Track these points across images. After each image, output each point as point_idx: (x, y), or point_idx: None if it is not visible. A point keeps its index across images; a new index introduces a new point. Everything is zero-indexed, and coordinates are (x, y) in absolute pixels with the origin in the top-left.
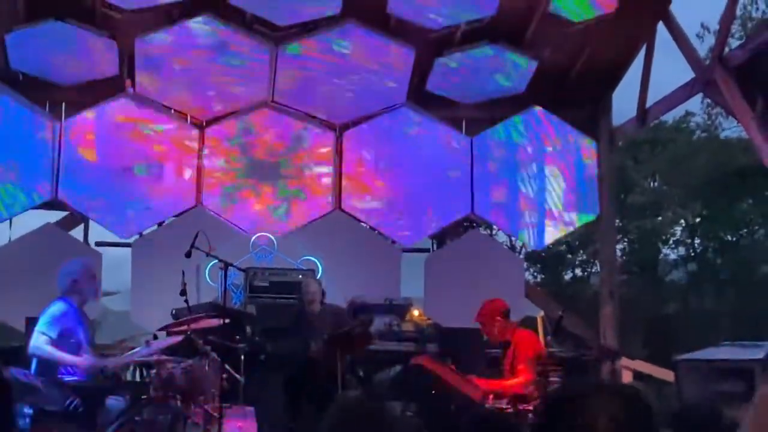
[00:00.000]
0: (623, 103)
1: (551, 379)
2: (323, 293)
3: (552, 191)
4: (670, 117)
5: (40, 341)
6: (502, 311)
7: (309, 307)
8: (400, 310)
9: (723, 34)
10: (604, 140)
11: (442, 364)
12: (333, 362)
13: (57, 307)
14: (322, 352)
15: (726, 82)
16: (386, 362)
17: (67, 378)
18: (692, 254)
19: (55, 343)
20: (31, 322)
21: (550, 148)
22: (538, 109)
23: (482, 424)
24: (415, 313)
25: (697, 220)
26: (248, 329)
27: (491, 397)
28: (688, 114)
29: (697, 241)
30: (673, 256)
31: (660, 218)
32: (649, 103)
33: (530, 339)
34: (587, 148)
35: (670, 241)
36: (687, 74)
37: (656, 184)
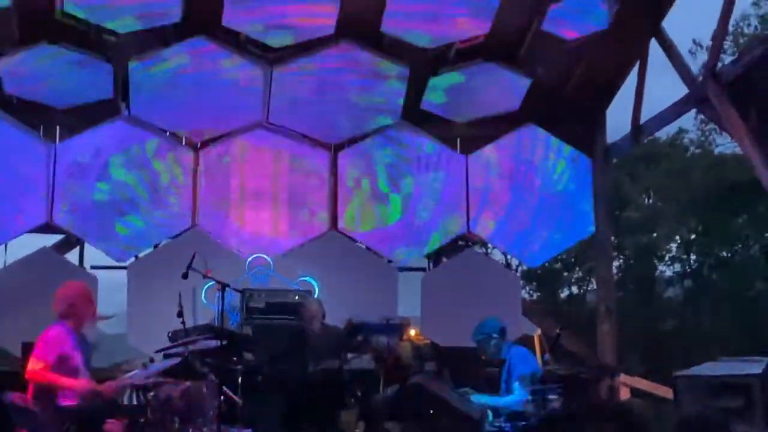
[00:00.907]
0: (617, 120)
1: (549, 396)
2: (323, 313)
3: (546, 208)
4: (664, 133)
5: (37, 366)
6: (498, 330)
7: (309, 326)
8: (397, 329)
9: (716, 49)
10: (598, 157)
11: (439, 383)
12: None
13: (54, 332)
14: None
15: (719, 97)
16: (384, 383)
17: (64, 403)
18: (688, 270)
19: (52, 367)
20: (28, 347)
21: (544, 166)
22: (532, 126)
23: None
24: (412, 332)
25: (693, 236)
26: (246, 352)
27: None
28: (682, 131)
29: (692, 257)
30: (669, 273)
31: (655, 234)
32: (643, 119)
33: (526, 356)
34: (582, 164)
35: (666, 258)
36: (680, 90)
37: (651, 200)
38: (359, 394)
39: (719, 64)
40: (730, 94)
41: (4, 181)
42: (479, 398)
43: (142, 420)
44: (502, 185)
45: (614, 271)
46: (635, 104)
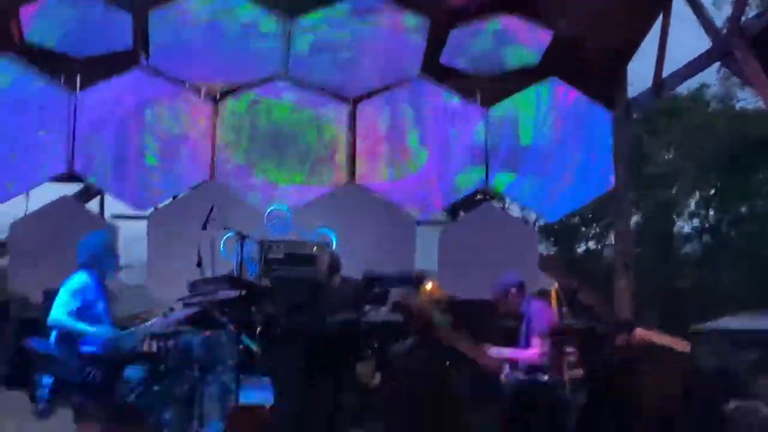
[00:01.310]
0: (639, 75)
1: (566, 350)
2: (339, 265)
3: (566, 163)
4: (686, 88)
5: (59, 313)
6: (516, 284)
7: (327, 278)
8: (414, 282)
9: (740, 2)
10: (619, 112)
11: (457, 335)
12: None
13: (78, 280)
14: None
15: (743, 51)
16: (401, 334)
17: (86, 349)
18: (707, 226)
19: (74, 314)
20: (49, 295)
21: (564, 120)
22: (553, 80)
23: (523, 395)
24: (429, 285)
25: (712, 192)
26: (265, 303)
27: (506, 367)
28: (704, 85)
29: (711, 213)
30: (687, 229)
31: (675, 190)
32: (665, 74)
33: (544, 310)
34: (602, 119)
35: (685, 214)
36: (703, 45)
37: (671, 156)
38: (376, 345)
39: (744, 18)
40: (755, 48)
41: (26, 131)
42: (497, 351)
43: (161, 368)
44: (522, 139)
45: (632, 226)
46: (657, 58)
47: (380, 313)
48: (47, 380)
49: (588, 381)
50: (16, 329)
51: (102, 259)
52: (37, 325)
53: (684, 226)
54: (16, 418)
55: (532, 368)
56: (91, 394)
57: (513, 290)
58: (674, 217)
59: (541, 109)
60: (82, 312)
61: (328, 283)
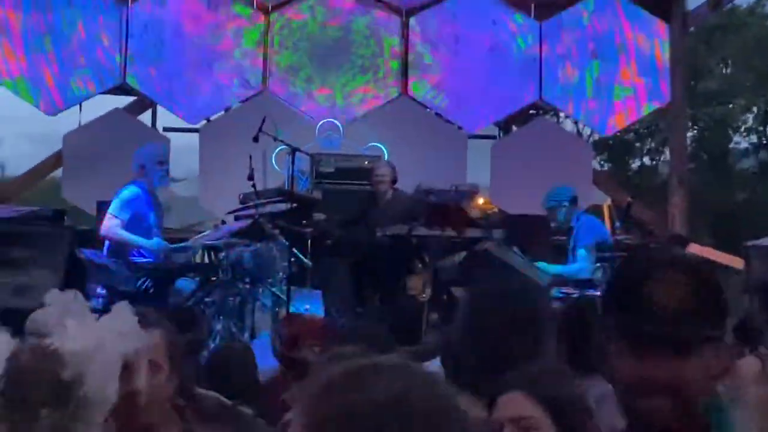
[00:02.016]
0: None
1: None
2: (395, 177)
3: (622, 77)
4: (744, 1)
5: (112, 224)
6: (570, 197)
7: (379, 190)
8: (466, 196)
9: None
10: (676, 24)
11: (507, 250)
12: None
13: (128, 191)
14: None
15: None
16: (451, 248)
17: (139, 260)
18: (764, 142)
19: (126, 225)
20: (102, 206)
21: (620, 33)
22: None
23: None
24: (480, 200)
25: None
26: (317, 214)
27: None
28: None
29: None
30: (743, 145)
31: (731, 106)
32: None
33: (592, 224)
34: (659, 32)
35: (741, 129)
36: None
37: (728, 70)
38: (427, 259)
39: None
40: None
41: (78, 42)
42: (547, 266)
43: (213, 279)
44: (577, 53)
45: (688, 142)
46: None
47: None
48: (101, 291)
49: None
50: (71, 240)
51: (151, 171)
52: (91, 235)
53: (740, 141)
54: (77, 317)
55: (581, 283)
56: (143, 304)
57: (564, 204)
58: (730, 132)
59: (596, 22)
60: (133, 223)
61: (380, 196)
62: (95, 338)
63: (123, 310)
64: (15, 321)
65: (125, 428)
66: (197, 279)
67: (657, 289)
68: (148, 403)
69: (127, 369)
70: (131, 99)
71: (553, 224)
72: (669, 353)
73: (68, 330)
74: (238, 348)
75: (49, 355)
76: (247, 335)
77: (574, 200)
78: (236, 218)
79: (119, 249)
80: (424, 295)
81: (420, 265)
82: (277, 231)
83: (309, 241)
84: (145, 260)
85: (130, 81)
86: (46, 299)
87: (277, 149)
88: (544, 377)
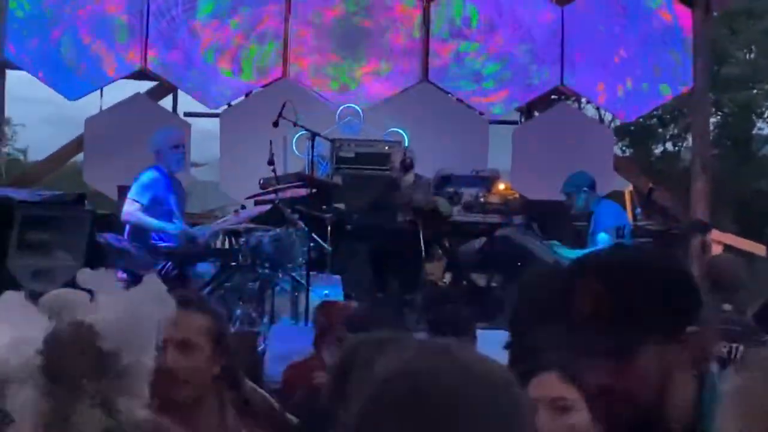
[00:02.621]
0: None
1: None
2: (408, 163)
3: (644, 61)
4: None
5: (132, 208)
6: (588, 183)
7: (399, 176)
8: (486, 181)
9: None
10: (699, 9)
11: (527, 235)
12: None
13: (147, 175)
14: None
15: None
16: (472, 234)
17: (159, 244)
18: None
19: (146, 209)
20: (123, 191)
21: (642, 17)
22: None
23: None
24: (502, 185)
25: None
26: (336, 201)
27: None
28: None
29: None
30: (767, 131)
31: (755, 91)
32: None
33: (612, 209)
34: (682, 16)
35: (765, 115)
36: None
37: (752, 55)
38: (447, 245)
39: None
40: None
41: (99, 27)
42: (566, 252)
43: (233, 264)
44: (598, 37)
45: (711, 128)
46: None
47: (452, 213)
48: (122, 275)
49: None
50: (91, 224)
51: (167, 155)
52: (112, 220)
53: (763, 127)
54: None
55: None
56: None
57: (584, 189)
58: (754, 118)
59: (618, 6)
60: (153, 207)
61: (400, 182)
62: (128, 309)
63: (152, 281)
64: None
65: (161, 404)
66: (217, 263)
67: (575, 298)
68: (182, 382)
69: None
70: (152, 84)
71: (572, 210)
72: (603, 361)
73: (100, 304)
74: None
75: (86, 328)
76: (266, 320)
77: (593, 186)
78: (256, 203)
79: (140, 233)
80: (443, 281)
81: (439, 251)
82: (296, 216)
83: (329, 226)
84: (165, 244)
85: (152, 66)
86: (78, 278)
87: (298, 134)
88: (581, 358)
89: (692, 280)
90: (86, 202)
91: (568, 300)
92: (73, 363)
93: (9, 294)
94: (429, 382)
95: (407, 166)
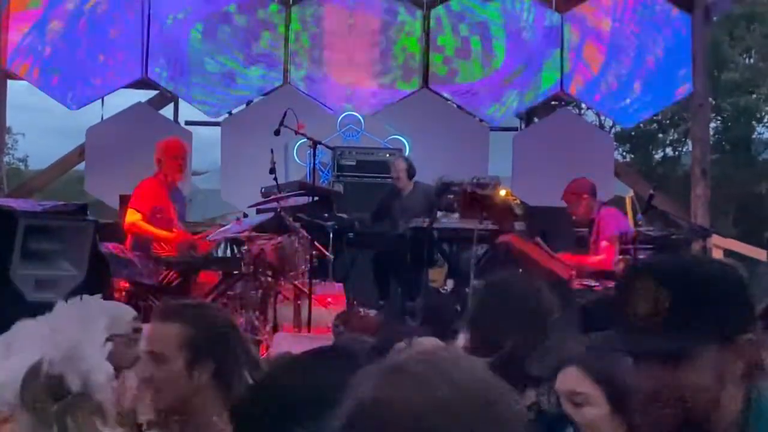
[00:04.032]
0: None
1: (639, 257)
2: (412, 171)
3: (643, 67)
4: None
5: (134, 217)
6: (589, 189)
7: (400, 184)
8: (487, 188)
9: None
10: (698, 14)
11: (529, 242)
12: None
13: (147, 184)
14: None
15: None
16: (473, 240)
17: (161, 253)
18: None
19: (146, 218)
20: (125, 199)
21: (642, 24)
22: None
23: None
24: (503, 192)
25: None
26: (338, 209)
27: (576, 274)
28: None
29: None
30: (767, 135)
31: (755, 96)
32: None
33: (614, 216)
34: (681, 22)
35: (765, 119)
36: None
37: (751, 60)
38: (448, 252)
39: None
40: None
41: (101, 37)
42: (569, 258)
43: (235, 273)
44: (598, 44)
45: (711, 132)
46: None
47: (453, 220)
48: (124, 284)
49: None
50: (94, 233)
51: (164, 163)
52: (114, 229)
53: (763, 132)
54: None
55: (603, 274)
56: (166, 297)
57: (585, 196)
58: (753, 122)
59: (617, 13)
60: (153, 215)
61: (400, 189)
62: (65, 335)
63: (83, 303)
64: (39, 314)
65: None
66: (219, 272)
67: (633, 301)
68: (159, 390)
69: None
70: (153, 93)
71: (573, 216)
72: (659, 365)
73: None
74: None
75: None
76: (269, 328)
77: (593, 192)
78: (258, 211)
79: (142, 242)
80: (445, 287)
81: (441, 258)
82: (298, 224)
83: (330, 233)
84: (167, 254)
85: (152, 75)
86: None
87: (299, 142)
88: (600, 356)
89: (747, 288)
90: (88, 211)
91: (625, 302)
92: (28, 391)
93: (28, 322)
94: (398, 413)
95: (412, 174)
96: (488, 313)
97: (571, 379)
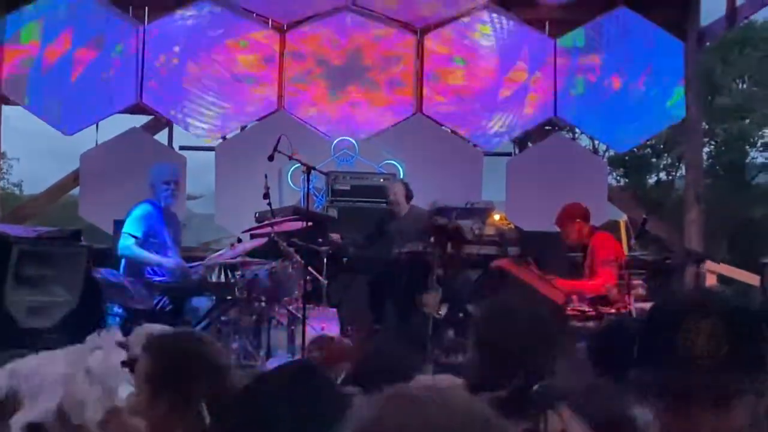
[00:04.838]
0: (712, 3)
1: (633, 282)
2: (409, 195)
3: (636, 92)
4: (761, 16)
5: (128, 242)
6: (582, 214)
7: (395, 207)
8: (481, 213)
9: None
10: (691, 41)
11: (523, 266)
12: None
13: (141, 209)
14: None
15: None
16: (467, 265)
17: (155, 278)
18: None
19: (140, 243)
20: (119, 224)
21: (635, 49)
22: (623, 9)
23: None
24: (497, 216)
25: None
26: (332, 234)
27: (573, 299)
28: None
29: None
30: (760, 159)
31: (748, 121)
32: (739, 1)
33: (609, 241)
34: (674, 48)
35: (758, 144)
36: None
37: (745, 85)
38: (443, 276)
39: None
40: None
41: (95, 62)
42: (563, 283)
43: (228, 298)
44: (591, 69)
45: (704, 157)
46: None
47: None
48: (118, 310)
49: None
50: (87, 259)
51: (158, 190)
52: (108, 254)
53: (756, 156)
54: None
55: (598, 300)
56: (160, 322)
57: (578, 221)
58: (746, 147)
59: (611, 39)
60: (147, 240)
61: (395, 213)
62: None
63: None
64: (31, 340)
65: None
66: (213, 297)
67: (691, 339)
68: (129, 421)
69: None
70: (148, 118)
71: (567, 241)
72: (708, 406)
73: None
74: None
75: None
76: (263, 354)
77: (586, 217)
78: (252, 236)
79: (135, 267)
80: (439, 313)
81: (435, 282)
82: (292, 249)
83: (325, 258)
84: (160, 279)
85: (147, 100)
86: None
87: (293, 167)
88: (592, 395)
89: None
90: (82, 237)
91: (677, 338)
92: None
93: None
94: None
95: (410, 198)
96: (501, 339)
97: (560, 421)
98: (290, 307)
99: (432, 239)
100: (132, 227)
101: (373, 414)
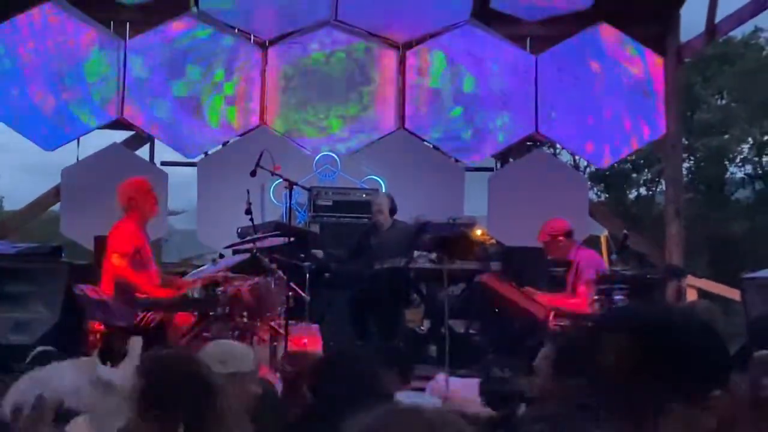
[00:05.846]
0: (691, 19)
1: (615, 297)
2: (393, 208)
3: (616, 109)
4: (740, 32)
5: (121, 263)
6: (565, 230)
7: (377, 221)
8: (463, 228)
9: None
10: (671, 56)
11: (505, 282)
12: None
13: (126, 225)
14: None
15: None
16: (449, 280)
17: (137, 295)
18: (759, 172)
19: (128, 260)
20: (100, 241)
21: (615, 65)
22: (603, 25)
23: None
24: (479, 231)
25: (765, 137)
26: (314, 249)
27: (553, 315)
28: (758, 30)
29: (764, 159)
30: (740, 175)
31: (727, 136)
32: (718, 18)
33: (592, 258)
34: (654, 64)
35: (737, 159)
36: None
37: (724, 101)
38: (425, 292)
39: None
40: None
41: (77, 77)
42: (546, 298)
43: (211, 314)
44: (572, 85)
45: (684, 172)
46: (710, 2)
47: (429, 260)
48: (99, 326)
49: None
50: (68, 275)
51: (138, 203)
52: (89, 270)
53: (736, 172)
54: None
55: (579, 316)
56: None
57: (561, 237)
58: (726, 163)
59: (591, 55)
60: (134, 257)
61: (378, 227)
62: None
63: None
64: (12, 357)
65: None
66: (195, 313)
67: (604, 357)
68: None
69: None
70: (129, 133)
71: (549, 257)
72: (627, 419)
73: None
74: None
75: None
76: None
77: (569, 233)
78: (234, 252)
79: (123, 286)
80: (422, 327)
81: (417, 298)
82: (274, 265)
83: (307, 274)
84: (144, 296)
85: (128, 116)
86: None
87: (275, 183)
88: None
89: (722, 341)
90: (63, 253)
91: (594, 352)
92: None
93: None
94: None
95: (393, 211)
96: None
97: None
98: (273, 323)
99: (442, 252)
100: (122, 245)
101: (375, 422)
